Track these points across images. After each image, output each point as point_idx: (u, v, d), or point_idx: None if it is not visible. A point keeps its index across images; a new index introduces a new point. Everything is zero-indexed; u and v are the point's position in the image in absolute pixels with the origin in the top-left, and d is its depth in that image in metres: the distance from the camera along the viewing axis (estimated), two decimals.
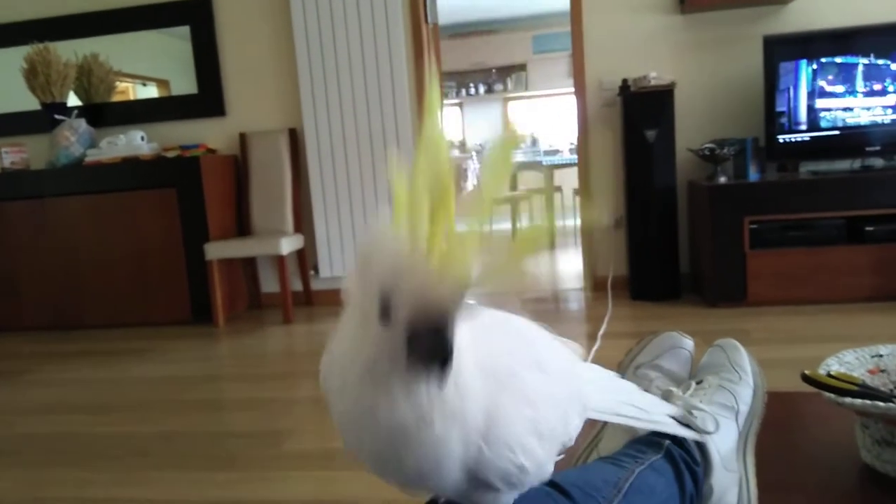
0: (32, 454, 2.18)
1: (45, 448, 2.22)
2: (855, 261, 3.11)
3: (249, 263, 4.18)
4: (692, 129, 3.59)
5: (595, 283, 3.87)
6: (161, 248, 3.80)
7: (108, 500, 1.81)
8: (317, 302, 4.08)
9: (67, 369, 3.18)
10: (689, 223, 3.65)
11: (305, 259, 4.06)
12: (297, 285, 4.06)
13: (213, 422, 2.34)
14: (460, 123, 9.34)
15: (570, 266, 4.82)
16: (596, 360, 2.24)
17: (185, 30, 4.09)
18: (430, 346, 0.41)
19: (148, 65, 4.34)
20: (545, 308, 3.69)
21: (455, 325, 0.41)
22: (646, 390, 0.79)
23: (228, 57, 4.07)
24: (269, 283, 4.19)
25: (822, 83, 3.24)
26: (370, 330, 0.43)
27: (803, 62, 3.24)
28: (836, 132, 3.26)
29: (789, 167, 3.45)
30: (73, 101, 4.16)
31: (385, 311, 0.42)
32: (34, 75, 3.94)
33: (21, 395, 2.83)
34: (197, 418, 2.38)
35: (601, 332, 2.97)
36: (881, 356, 0.95)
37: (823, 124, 3.27)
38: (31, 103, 4.07)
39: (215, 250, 3.67)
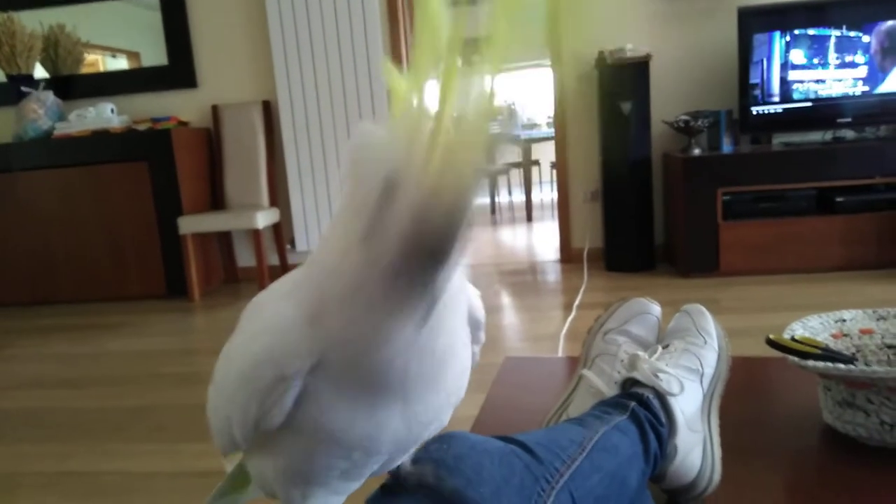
0: (10, 429, 2.17)
1: (23, 423, 2.21)
2: (825, 231, 3.16)
3: (224, 237, 4.15)
4: (667, 101, 3.60)
5: (571, 255, 3.90)
6: (134, 222, 3.75)
7: (87, 473, 1.81)
8: None
9: (43, 344, 3.15)
10: (664, 195, 3.69)
11: (281, 233, 4.03)
12: (273, 259, 4.05)
13: (190, 395, 2.33)
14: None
15: (546, 238, 4.86)
16: (571, 330, 2.27)
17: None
18: (421, 274, 0.36)
19: (117, 36, 4.24)
20: (522, 280, 3.71)
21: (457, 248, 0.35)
22: (614, 355, 0.81)
23: (199, 27, 3.99)
24: (244, 257, 4.17)
25: (794, 55, 3.27)
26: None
27: (776, 34, 3.26)
28: (809, 104, 3.29)
29: (762, 139, 3.49)
30: (39, 73, 4.06)
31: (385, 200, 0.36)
32: None
33: None
34: (173, 392, 2.38)
35: (576, 302, 3.00)
36: (844, 321, 0.98)
37: (796, 96, 3.30)
38: None
39: (189, 224, 3.64)
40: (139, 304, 3.75)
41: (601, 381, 0.78)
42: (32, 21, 3.96)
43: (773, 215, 3.20)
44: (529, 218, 5.93)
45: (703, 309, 0.86)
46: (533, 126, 8.01)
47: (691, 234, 3.26)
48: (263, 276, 3.66)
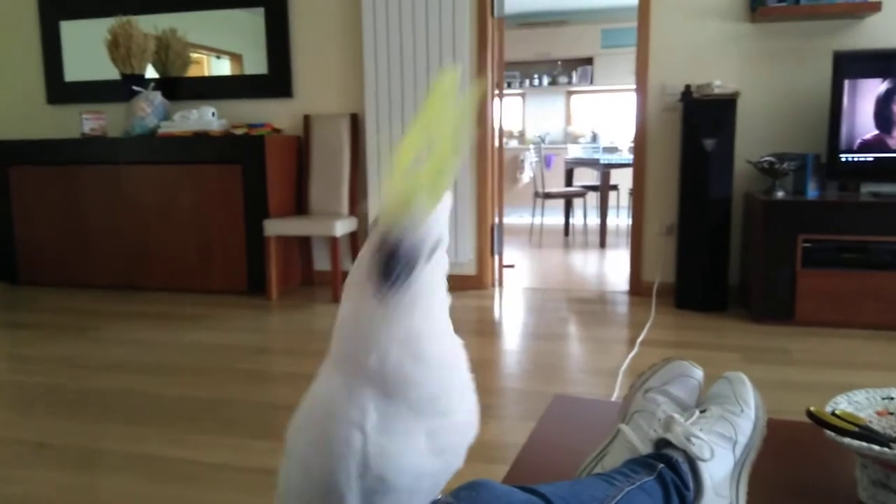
0: (92, 408, 2.36)
1: (105, 403, 2.40)
2: None
3: (304, 241, 4.33)
4: (753, 141, 3.55)
5: (640, 288, 3.87)
6: (223, 221, 3.98)
7: (157, 457, 1.96)
8: None
9: (130, 329, 3.38)
10: (742, 235, 3.62)
11: (358, 241, 4.18)
12: (347, 265, 4.19)
13: (260, 393, 2.47)
14: (521, 114, 9.33)
15: (617, 267, 4.83)
16: (631, 367, 2.29)
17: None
18: (387, 260, 0.53)
19: (222, 38, 4.49)
20: (589, 309, 3.72)
21: (410, 250, 0.53)
22: (652, 413, 0.85)
23: (298, 41, 4.20)
24: (321, 262, 4.33)
25: (891, 103, 3.16)
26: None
27: (874, 80, 3.16)
28: None
29: (850, 187, 3.38)
30: (150, 73, 4.36)
31: (373, 224, 0.56)
32: (116, 47, 4.15)
33: (87, 350, 3.03)
34: (245, 388, 2.52)
35: (640, 338, 2.99)
36: (892, 399, 0.98)
37: (890, 146, 3.19)
38: (111, 73, 4.28)
39: (274, 227, 3.82)
40: (221, 297, 3.96)
41: (636, 437, 0.82)
42: (147, 24, 4.26)
43: (854, 267, 3.10)
44: (603, 244, 5.90)
45: (744, 377, 0.89)
46: (614, 150, 7.94)
47: (767, 279, 3.20)
48: (337, 281, 3.81)
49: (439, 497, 0.61)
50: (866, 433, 0.86)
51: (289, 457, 0.62)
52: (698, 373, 0.91)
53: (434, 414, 0.58)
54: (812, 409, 0.89)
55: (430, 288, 0.58)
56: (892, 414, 0.97)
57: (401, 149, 0.55)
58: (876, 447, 0.81)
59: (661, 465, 0.73)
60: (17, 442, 2.09)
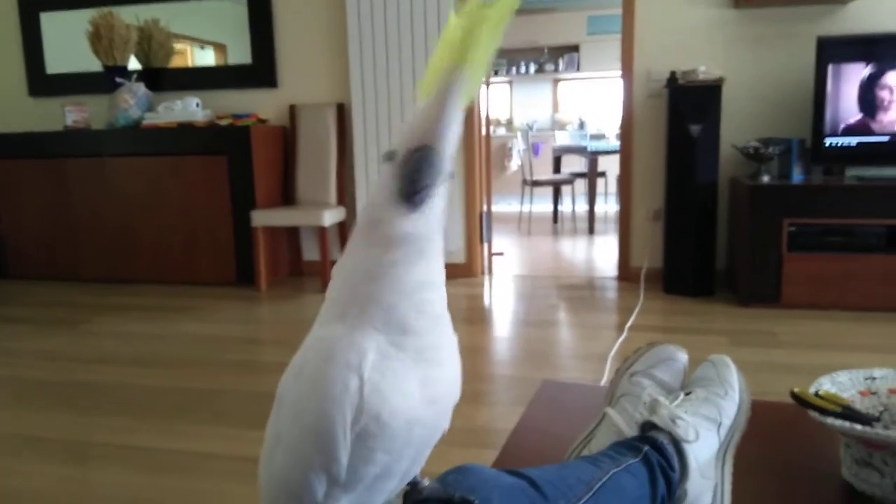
0: (84, 401, 2.35)
1: (96, 396, 2.39)
2: (893, 270, 3.07)
3: (292, 232, 4.31)
4: (738, 126, 3.57)
5: (629, 274, 3.90)
6: (210, 212, 3.96)
7: (149, 449, 1.96)
8: None
9: (118, 322, 3.36)
10: (729, 220, 3.65)
11: (346, 230, 4.17)
12: (336, 255, 4.18)
13: (250, 382, 2.47)
14: (508, 102, 9.31)
15: (606, 254, 4.85)
16: (620, 352, 2.31)
17: None
18: (413, 169, 0.55)
19: (206, 28, 4.45)
20: (578, 295, 3.74)
21: (435, 157, 0.56)
22: (638, 396, 0.86)
23: (283, 31, 4.17)
24: (310, 252, 4.33)
25: (874, 88, 3.19)
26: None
27: (857, 65, 3.18)
28: (886, 139, 3.20)
29: (835, 171, 3.41)
30: (133, 64, 4.32)
31: (389, 157, 0.57)
32: (98, 38, 4.10)
33: (76, 343, 3.01)
34: (235, 378, 2.52)
35: (629, 324, 3.01)
36: (874, 379, 1.00)
37: (873, 130, 3.21)
38: (94, 65, 4.24)
39: (261, 218, 3.81)
40: (209, 289, 3.94)
41: (622, 420, 0.83)
42: (130, 15, 4.22)
43: (839, 250, 3.13)
44: (591, 230, 5.92)
45: (729, 360, 0.90)
46: (601, 137, 7.95)
47: (754, 263, 3.23)
48: (326, 271, 3.81)
49: (426, 483, 0.62)
50: (849, 413, 0.87)
51: (279, 406, 0.61)
52: (683, 356, 0.92)
53: (429, 362, 0.58)
54: (796, 390, 0.90)
55: (434, 237, 0.59)
56: (874, 394, 0.98)
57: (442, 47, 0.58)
58: (858, 427, 0.83)
59: (647, 447, 0.74)
60: (11, 436, 2.08)
